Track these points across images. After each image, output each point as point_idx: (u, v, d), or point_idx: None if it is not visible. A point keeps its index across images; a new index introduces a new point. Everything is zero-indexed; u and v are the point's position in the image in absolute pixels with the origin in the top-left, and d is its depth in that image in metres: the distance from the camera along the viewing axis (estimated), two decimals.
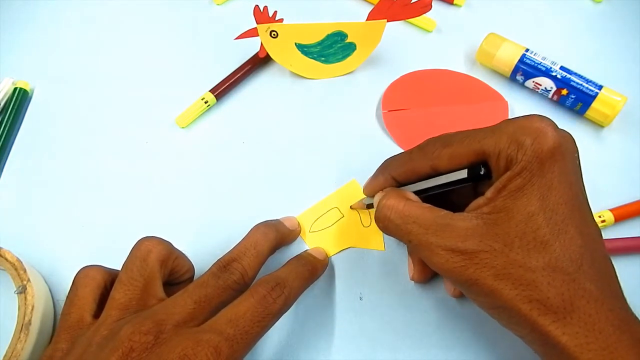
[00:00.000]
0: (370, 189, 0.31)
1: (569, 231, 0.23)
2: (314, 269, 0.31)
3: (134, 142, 0.39)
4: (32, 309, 0.29)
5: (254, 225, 0.31)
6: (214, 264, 0.28)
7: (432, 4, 0.38)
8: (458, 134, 0.27)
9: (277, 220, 0.33)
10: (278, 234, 0.31)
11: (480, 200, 0.25)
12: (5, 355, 0.28)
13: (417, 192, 0.29)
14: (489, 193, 0.24)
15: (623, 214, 0.35)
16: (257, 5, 0.37)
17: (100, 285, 0.28)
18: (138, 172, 0.38)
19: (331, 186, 0.37)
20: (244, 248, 0.29)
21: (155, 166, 0.38)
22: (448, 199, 0.28)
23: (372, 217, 0.34)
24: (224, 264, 0.28)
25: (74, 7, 0.47)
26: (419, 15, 0.38)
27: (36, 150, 0.39)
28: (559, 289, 0.22)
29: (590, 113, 0.38)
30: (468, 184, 0.26)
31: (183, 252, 0.30)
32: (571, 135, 0.25)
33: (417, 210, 0.26)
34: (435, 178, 0.27)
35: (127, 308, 0.25)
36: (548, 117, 0.24)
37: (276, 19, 0.38)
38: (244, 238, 0.30)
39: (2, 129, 0.39)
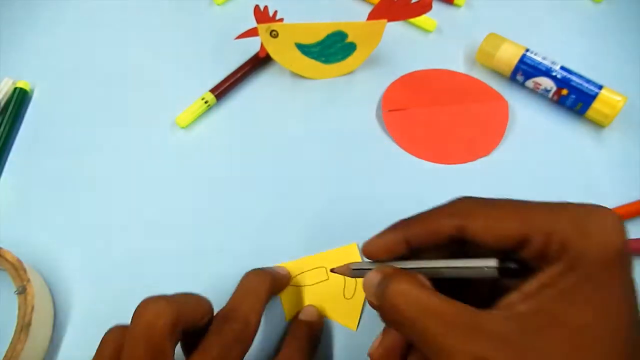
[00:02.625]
0: (372, 249, 0.24)
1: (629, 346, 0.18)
2: (313, 338, 0.30)
3: (134, 142, 0.39)
4: (32, 309, 0.29)
5: (247, 270, 0.30)
6: (214, 320, 0.25)
7: (432, 4, 0.38)
8: (500, 199, 0.22)
9: (268, 267, 0.32)
10: (273, 279, 0.29)
11: (513, 297, 0.19)
12: (5, 356, 0.28)
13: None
14: (527, 287, 0.19)
15: (623, 214, 0.35)
16: (257, 5, 0.37)
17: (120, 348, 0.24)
18: (138, 172, 0.38)
19: (331, 186, 0.37)
20: (240, 295, 0.27)
21: (155, 166, 0.38)
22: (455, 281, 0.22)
23: (357, 289, 0.32)
24: (223, 316, 0.25)
25: (74, 7, 0.47)
26: (419, 15, 0.38)
27: (36, 150, 0.39)
28: None
29: (590, 113, 0.38)
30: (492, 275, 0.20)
31: (197, 292, 0.26)
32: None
33: (437, 302, 0.20)
34: (451, 260, 0.22)
35: None
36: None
37: (276, 18, 0.38)
38: (238, 285, 0.28)
39: (2, 129, 0.39)
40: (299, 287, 0.32)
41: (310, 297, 0.32)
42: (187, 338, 0.25)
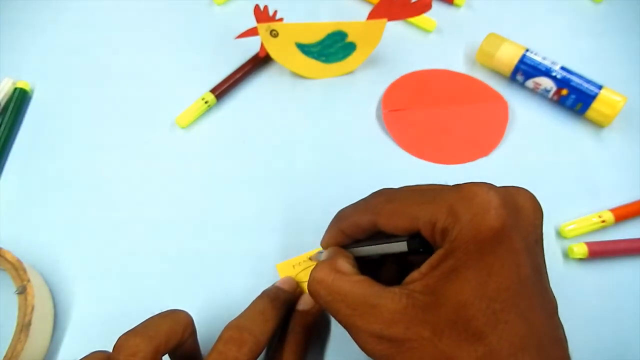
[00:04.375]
0: (324, 242, 0.29)
1: (510, 320, 0.20)
2: (312, 326, 0.30)
3: (134, 142, 0.39)
4: (32, 309, 0.29)
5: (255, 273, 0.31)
6: (221, 336, 0.25)
7: (432, 4, 0.38)
8: (405, 190, 0.25)
9: (275, 287, 0.31)
10: (284, 302, 0.29)
11: (414, 275, 0.22)
12: (5, 356, 0.28)
13: (360, 256, 0.27)
14: (423, 268, 0.22)
15: (623, 214, 0.35)
16: (257, 5, 0.37)
17: None
18: (138, 172, 0.38)
19: (331, 185, 0.37)
20: (251, 315, 0.27)
21: (155, 166, 0.38)
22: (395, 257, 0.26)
23: None
24: (232, 337, 0.25)
25: (74, 7, 0.47)
26: (419, 15, 0.38)
27: (36, 150, 0.39)
28: None
29: (590, 113, 0.38)
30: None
31: (171, 308, 0.26)
32: (530, 199, 0.23)
33: (346, 287, 0.24)
34: (375, 245, 0.26)
35: None
36: (498, 187, 0.22)
37: (276, 18, 0.38)
38: (249, 306, 0.28)
39: (2, 129, 0.39)
40: (303, 283, 0.32)
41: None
42: (173, 353, 0.26)
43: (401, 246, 0.24)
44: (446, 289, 0.21)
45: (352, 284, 0.24)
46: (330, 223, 0.29)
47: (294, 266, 0.33)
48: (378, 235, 0.26)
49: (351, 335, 0.24)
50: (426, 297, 0.21)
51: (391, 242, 0.24)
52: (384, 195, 0.26)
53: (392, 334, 0.22)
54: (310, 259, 0.33)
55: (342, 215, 0.28)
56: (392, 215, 0.24)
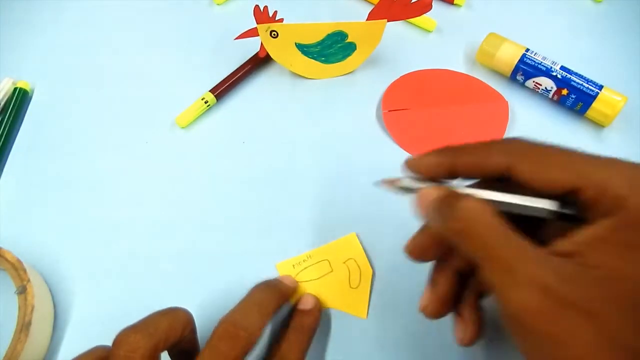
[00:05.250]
0: (418, 165, 0.24)
1: None
2: (313, 326, 0.30)
3: (134, 142, 0.39)
4: (32, 309, 0.29)
5: (255, 279, 0.30)
6: (216, 331, 0.25)
7: (432, 4, 0.38)
8: (559, 147, 0.21)
9: (276, 279, 0.31)
10: (281, 296, 0.30)
11: (565, 244, 0.19)
12: (5, 356, 0.28)
13: None
14: (579, 236, 0.19)
15: None
16: (257, 5, 0.37)
17: None
18: (138, 172, 0.38)
19: (331, 185, 0.37)
20: (247, 307, 0.27)
21: (155, 166, 0.38)
22: None
23: (362, 277, 0.32)
24: (225, 330, 0.25)
25: (74, 7, 0.47)
26: (419, 15, 0.38)
27: (36, 150, 0.39)
28: None
29: (590, 113, 0.38)
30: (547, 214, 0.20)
31: (172, 306, 0.26)
32: None
33: (508, 229, 0.20)
34: (511, 195, 0.21)
35: None
36: None
37: (276, 19, 0.38)
38: (245, 297, 0.28)
39: (2, 129, 0.39)
40: (302, 283, 0.33)
41: (317, 291, 0.32)
42: (172, 350, 0.26)
43: (550, 206, 0.20)
44: (626, 264, 0.18)
45: (512, 228, 0.20)
46: (436, 151, 0.24)
47: (293, 265, 0.33)
48: (496, 186, 0.22)
49: (496, 279, 0.19)
50: (600, 271, 0.18)
51: (534, 199, 0.20)
52: (528, 143, 0.22)
53: (571, 292, 0.18)
54: (382, 182, 0.26)
55: (460, 148, 0.23)
56: (546, 163, 0.20)
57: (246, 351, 0.25)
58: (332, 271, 0.33)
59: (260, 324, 0.26)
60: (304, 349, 0.29)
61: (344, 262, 0.33)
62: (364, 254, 0.33)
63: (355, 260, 0.33)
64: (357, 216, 0.35)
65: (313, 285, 0.32)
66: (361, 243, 0.34)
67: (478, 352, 0.30)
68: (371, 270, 0.33)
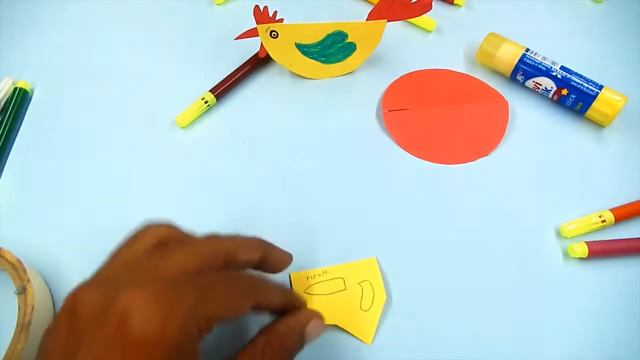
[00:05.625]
0: None
1: None
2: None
3: (134, 142, 0.39)
4: (32, 309, 0.29)
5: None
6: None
7: (432, 4, 0.38)
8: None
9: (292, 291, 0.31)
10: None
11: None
12: (5, 356, 0.28)
13: None
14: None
15: (623, 214, 0.35)
16: (257, 5, 0.37)
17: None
18: (138, 172, 0.38)
19: (331, 185, 0.37)
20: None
21: (155, 166, 0.38)
22: None
23: (375, 301, 0.32)
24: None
25: (74, 7, 0.47)
26: (419, 15, 0.38)
27: (36, 150, 0.39)
28: None
29: (590, 113, 0.38)
30: None
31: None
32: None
33: None
34: None
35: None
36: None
37: (276, 19, 0.38)
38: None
39: (2, 129, 0.39)
40: (313, 296, 0.32)
41: (325, 307, 0.31)
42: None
43: None
44: None
45: None
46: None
47: (307, 278, 0.32)
48: None
49: None
50: None
51: None
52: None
53: None
54: None
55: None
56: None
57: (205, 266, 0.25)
58: (345, 289, 0.32)
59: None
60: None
61: (359, 283, 0.32)
62: (380, 278, 0.32)
63: (370, 283, 0.32)
64: (357, 221, 0.35)
65: (323, 300, 0.31)
66: (380, 267, 0.33)
67: None
68: (385, 296, 0.32)
